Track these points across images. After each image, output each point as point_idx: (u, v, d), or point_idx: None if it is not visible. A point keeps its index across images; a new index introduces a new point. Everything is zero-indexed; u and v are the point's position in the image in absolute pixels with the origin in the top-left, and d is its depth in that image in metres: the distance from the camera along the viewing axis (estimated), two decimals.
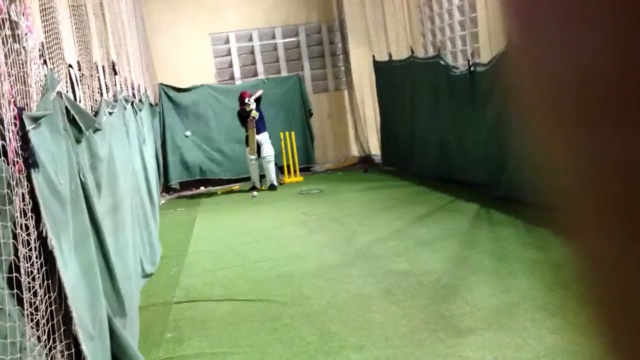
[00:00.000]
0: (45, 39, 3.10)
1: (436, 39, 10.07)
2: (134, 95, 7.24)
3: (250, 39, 12.25)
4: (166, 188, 11.47)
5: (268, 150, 10.40)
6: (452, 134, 8.65)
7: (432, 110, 9.17)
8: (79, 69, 4.07)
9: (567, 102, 0.37)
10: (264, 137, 10.45)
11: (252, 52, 12.31)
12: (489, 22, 7.60)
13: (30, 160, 2.24)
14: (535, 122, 0.40)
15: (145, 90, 9.33)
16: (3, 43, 2.24)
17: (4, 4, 2.23)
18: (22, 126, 2.22)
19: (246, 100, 10.23)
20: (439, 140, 9.04)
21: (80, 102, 3.73)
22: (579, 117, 0.36)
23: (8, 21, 2.29)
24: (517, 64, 0.41)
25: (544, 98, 0.39)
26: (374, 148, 12.18)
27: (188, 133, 10.41)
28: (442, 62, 8.68)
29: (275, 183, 10.50)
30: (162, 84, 11.56)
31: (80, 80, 4.01)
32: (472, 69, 7.76)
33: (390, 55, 10.65)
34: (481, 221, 6.59)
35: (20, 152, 2.22)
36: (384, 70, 11.05)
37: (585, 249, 0.40)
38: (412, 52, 9.77)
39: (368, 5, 11.61)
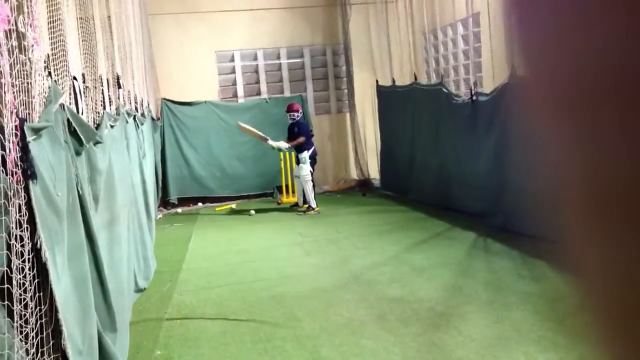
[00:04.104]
0: (52, 50, 3.11)
1: (439, 66, 10.14)
2: (136, 109, 7.25)
3: (255, 58, 12.32)
4: (164, 203, 11.45)
5: (302, 170, 10.04)
6: (451, 161, 8.67)
7: (433, 137, 9.20)
8: (84, 81, 4.08)
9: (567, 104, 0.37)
10: (302, 156, 10.11)
11: (257, 71, 12.37)
12: (493, 52, 7.65)
13: (29, 172, 2.24)
14: (544, 128, 0.40)
15: (148, 105, 9.35)
16: (9, 54, 2.25)
17: (11, 15, 2.25)
18: (23, 137, 2.22)
19: (284, 147, 10.13)
20: (439, 167, 9.05)
21: (82, 114, 3.74)
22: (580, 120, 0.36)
23: (15, 32, 2.30)
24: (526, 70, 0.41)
25: (551, 101, 0.39)
26: (374, 172, 12.20)
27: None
28: (444, 90, 8.73)
29: (313, 205, 9.98)
30: (165, 98, 11.59)
31: (84, 93, 4.02)
32: (474, 98, 7.80)
33: (393, 81, 10.71)
34: (477, 250, 6.57)
35: (19, 163, 2.22)
36: (386, 95, 11.10)
37: (590, 265, 0.40)
38: (415, 78, 9.82)
39: (373, 31, 11.71)
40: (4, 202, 2.14)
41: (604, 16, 0.33)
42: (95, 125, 4.21)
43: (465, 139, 8.14)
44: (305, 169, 10.01)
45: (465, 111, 8.04)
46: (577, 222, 0.40)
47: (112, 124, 4.77)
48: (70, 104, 3.41)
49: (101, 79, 4.75)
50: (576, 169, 0.39)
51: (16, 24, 2.32)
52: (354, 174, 12.65)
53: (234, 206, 11.16)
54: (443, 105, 8.71)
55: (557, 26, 0.37)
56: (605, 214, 0.37)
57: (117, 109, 5.43)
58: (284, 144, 10.12)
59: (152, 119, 10.00)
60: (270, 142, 10.21)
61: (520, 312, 4.58)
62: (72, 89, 3.49)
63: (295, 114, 10.29)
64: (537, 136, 0.41)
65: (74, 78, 3.53)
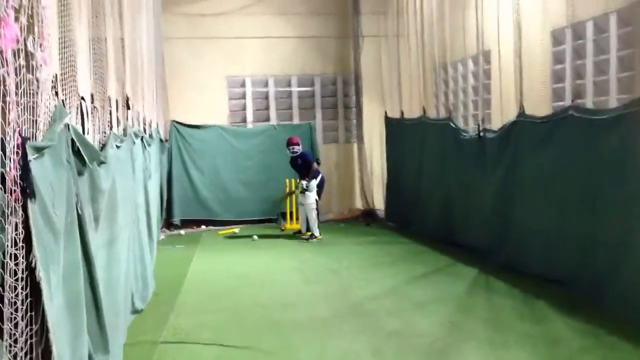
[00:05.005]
0: (61, 70, 3.14)
1: (449, 101, 10.17)
2: (144, 130, 7.30)
3: (266, 85, 12.43)
4: (168, 224, 11.46)
5: (307, 198, 10.05)
6: (456, 196, 8.64)
7: (439, 171, 9.19)
8: (92, 102, 4.11)
9: None
10: (310, 185, 10.10)
11: (267, 98, 12.48)
12: (502, 89, 7.67)
13: (27, 190, 2.25)
14: None
15: (157, 126, 9.41)
16: (16, 73, 2.28)
17: (21, 35, 2.28)
18: (24, 155, 2.23)
19: (304, 183, 10.10)
20: (443, 202, 9.02)
21: (89, 134, 3.76)
22: None
23: (23, 52, 2.33)
24: None
25: None
26: (378, 202, 12.18)
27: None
28: (452, 125, 8.74)
29: (316, 233, 10.01)
30: (174, 120, 11.69)
31: (92, 113, 4.05)
32: (481, 134, 7.80)
33: (402, 113, 10.76)
34: (479, 288, 6.51)
35: (18, 181, 2.23)
36: (394, 127, 11.14)
37: None
38: (424, 111, 9.86)
39: (384, 63, 11.80)
40: (1, 220, 2.15)
41: None
42: (101, 146, 4.23)
43: (471, 175, 8.13)
44: (311, 197, 10.04)
45: (472, 147, 8.04)
46: None
47: (118, 145, 4.80)
48: (76, 123, 3.43)
49: (110, 100, 4.79)
50: None
51: (25, 44, 2.35)
52: (358, 204, 12.64)
53: (237, 230, 11.16)
54: (450, 140, 8.71)
55: None
56: None
57: (124, 129, 5.46)
58: (303, 182, 10.14)
59: (161, 140, 10.06)
60: (297, 190, 10.32)
61: (519, 353, 4.51)
62: (79, 108, 3.52)
63: (296, 147, 10.33)
64: None
65: (82, 98, 3.56)
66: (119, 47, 5.67)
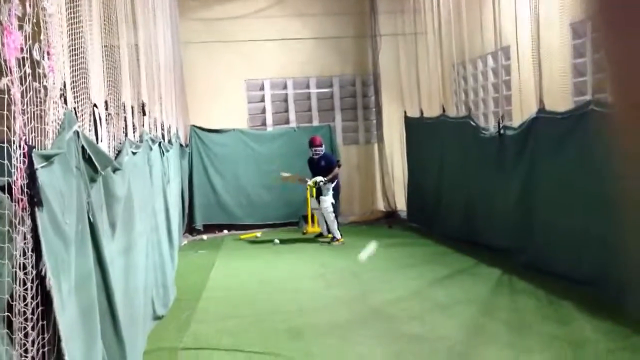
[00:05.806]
0: (72, 77, 3.13)
1: (468, 98, 10.05)
2: (163, 136, 7.30)
3: (285, 87, 12.41)
4: (190, 229, 11.49)
5: (324, 202, 10.00)
6: (478, 195, 8.51)
7: (460, 170, 9.07)
8: (106, 109, 4.11)
9: None
10: (326, 187, 10.09)
11: (286, 100, 12.46)
12: (522, 85, 7.54)
13: (35, 199, 2.23)
14: None
15: (177, 131, 9.43)
16: (21, 81, 2.26)
17: (25, 44, 2.26)
18: (30, 164, 2.22)
19: (321, 179, 10.07)
20: (465, 201, 8.90)
21: (102, 141, 3.76)
22: None
23: (29, 60, 2.32)
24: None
25: None
26: (400, 203, 12.08)
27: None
28: (472, 123, 8.62)
29: (338, 236, 9.96)
30: (194, 125, 11.73)
31: (106, 120, 4.04)
32: (502, 131, 7.68)
33: (421, 112, 10.65)
34: (502, 288, 6.40)
35: (25, 190, 2.21)
36: (414, 127, 11.04)
37: None
38: (444, 110, 9.74)
39: (403, 62, 11.71)
40: (9, 229, 2.13)
41: None
42: (116, 152, 4.23)
43: (492, 173, 8.00)
44: (327, 200, 9.98)
45: (492, 145, 7.91)
46: None
47: (134, 151, 4.80)
48: (89, 130, 3.42)
49: (124, 106, 4.79)
50: None
51: (30, 52, 2.34)
52: (380, 206, 12.54)
53: (258, 234, 11.14)
54: (470, 138, 8.59)
55: None
56: None
57: (140, 136, 5.47)
58: (319, 177, 10.11)
59: (181, 145, 10.09)
60: (310, 182, 10.26)
61: (543, 357, 4.41)
62: (92, 116, 3.51)
63: (319, 148, 10.31)
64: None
65: (95, 105, 3.55)
66: (134, 54, 5.67)
